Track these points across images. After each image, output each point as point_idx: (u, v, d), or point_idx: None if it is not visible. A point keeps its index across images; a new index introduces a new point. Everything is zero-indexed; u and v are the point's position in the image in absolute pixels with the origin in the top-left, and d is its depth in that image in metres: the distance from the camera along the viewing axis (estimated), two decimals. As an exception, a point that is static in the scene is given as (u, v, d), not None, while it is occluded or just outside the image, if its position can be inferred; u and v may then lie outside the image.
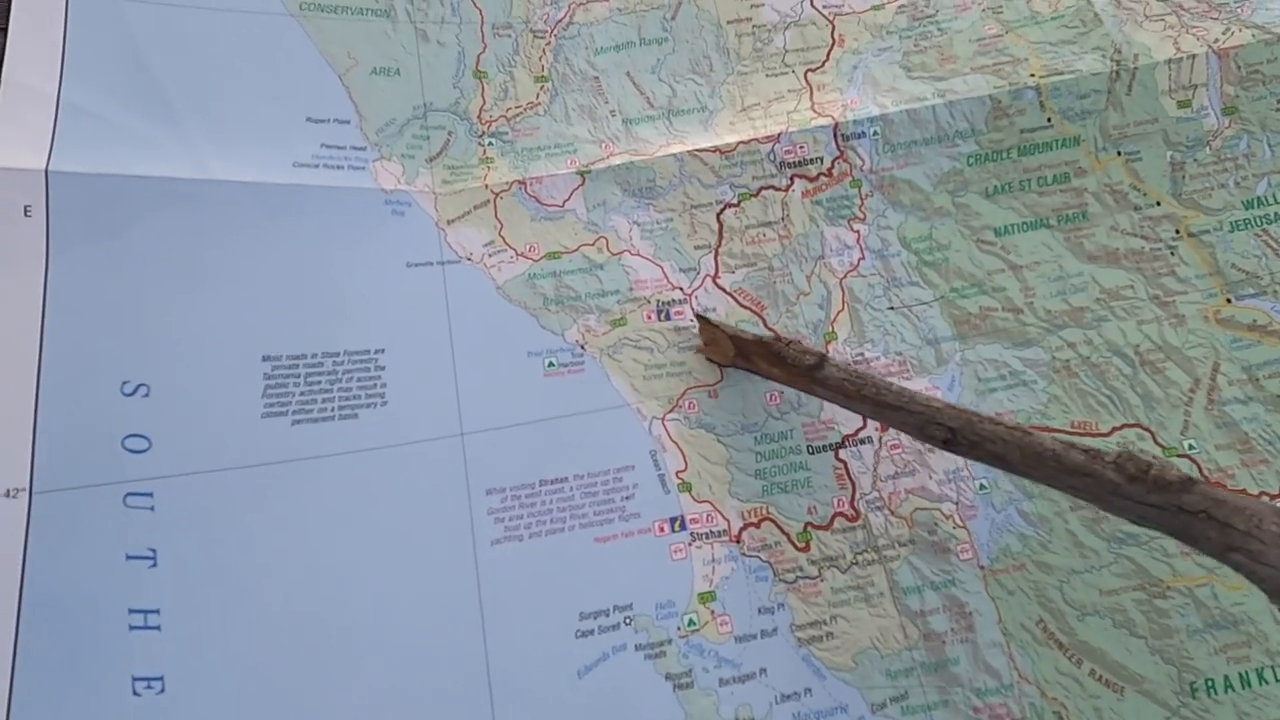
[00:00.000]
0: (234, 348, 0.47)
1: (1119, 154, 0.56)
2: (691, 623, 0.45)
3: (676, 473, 0.48)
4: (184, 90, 0.51)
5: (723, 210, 0.56)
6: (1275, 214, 0.54)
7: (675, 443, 0.49)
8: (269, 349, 0.48)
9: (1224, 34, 0.58)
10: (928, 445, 0.44)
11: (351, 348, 0.49)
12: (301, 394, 0.47)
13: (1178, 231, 0.54)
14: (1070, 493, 0.35)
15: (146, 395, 0.45)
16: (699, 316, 0.52)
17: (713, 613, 0.45)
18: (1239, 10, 0.59)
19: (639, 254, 0.55)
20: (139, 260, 0.46)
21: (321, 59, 0.56)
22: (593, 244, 0.55)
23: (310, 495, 0.45)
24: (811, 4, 0.62)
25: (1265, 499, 0.48)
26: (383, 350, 0.50)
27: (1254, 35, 0.57)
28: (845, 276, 0.54)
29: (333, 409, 0.47)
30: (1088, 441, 0.34)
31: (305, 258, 0.50)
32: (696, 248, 0.55)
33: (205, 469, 0.44)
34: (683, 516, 0.47)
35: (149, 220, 0.47)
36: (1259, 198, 0.55)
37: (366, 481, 0.46)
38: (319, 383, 0.48)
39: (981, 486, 0.48)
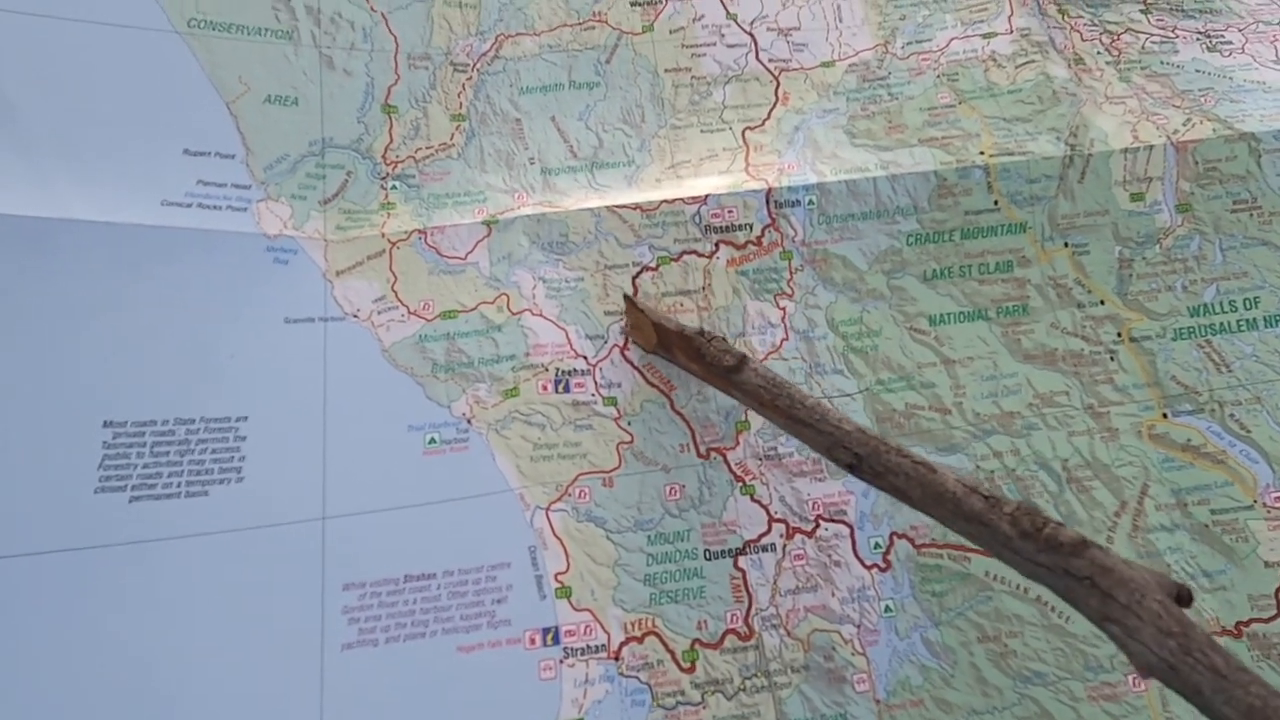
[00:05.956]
0: (70, 411, 0.42)
1: (1066, 245, 0.53)
2: (554, 753, 0.41)
3: (556, 574, 0.44)
4: (39, 113, 0.46)
5: (639, 274, 0.52)
6: (1221, 324, 0.51)
7: (559, 538, 0.45)
8: (111, 413, 0.43)
9: (1185, 124, 0.54)
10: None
11: (210, 414, 0.44)
12: (145, 466, 0.42)
13: (1119, 335, 0.51)
14: (966, 537, 0.35)
15: (-42, 463, 0.40)
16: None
17: (578, 742, 0.41)
18: (1202, 99, 0.56)
19: (541, 314, 0.50)
20: (-37, 307, 0.41)
21: (208, 83, 0.51)
22: (493, 302, 0.50)
23: (143, 584, 0.40)
24: (756, 57, 0.58)
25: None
26: (245, 418, 0.45)
27: (1214, 129, 0.54)
28: (766, 358, 0.50)
29: (180, 484, 0.43)
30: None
31: (166, 310, 0.45)
32: (607, 313, 0.51)
33: (20, 551, 0.39)
34: (557, 628, 0.43)
35: (-21, 262, 0.42)
36: (1206, 304, 0.51)
37: (209, 569, 0.42)
38: (167, 454, 0.43)
39: (887, 609, 0.45)
